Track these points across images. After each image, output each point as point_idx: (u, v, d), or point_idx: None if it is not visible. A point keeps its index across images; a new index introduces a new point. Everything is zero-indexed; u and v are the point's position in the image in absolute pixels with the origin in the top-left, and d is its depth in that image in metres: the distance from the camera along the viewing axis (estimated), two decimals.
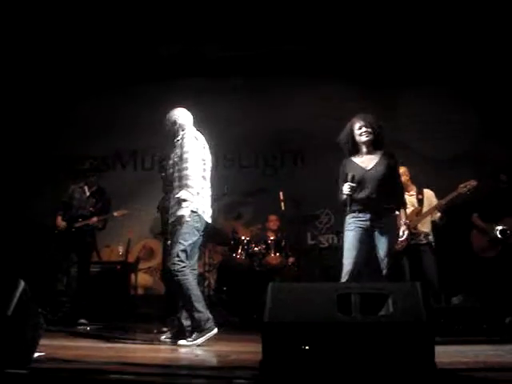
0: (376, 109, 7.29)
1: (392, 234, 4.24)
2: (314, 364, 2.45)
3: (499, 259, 5.71)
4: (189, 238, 4.34)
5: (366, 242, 4.23)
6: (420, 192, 5.79)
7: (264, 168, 8.42)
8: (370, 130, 4.30)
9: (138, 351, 4.07)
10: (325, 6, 6.74)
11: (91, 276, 6.36)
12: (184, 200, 4.31)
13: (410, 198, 5.75)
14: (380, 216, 4.21)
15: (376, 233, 4.22)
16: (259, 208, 7.66)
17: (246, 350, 4.01)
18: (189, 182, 4.35)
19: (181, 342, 4.22)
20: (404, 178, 5.85)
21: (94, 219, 6.20)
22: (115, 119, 8.19)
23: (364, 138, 4.31)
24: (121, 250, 7.75)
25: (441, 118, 7.68)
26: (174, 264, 4.28)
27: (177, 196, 4.37)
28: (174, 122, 4.69)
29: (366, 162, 4.33)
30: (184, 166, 4.39)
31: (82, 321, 5.81)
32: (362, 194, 4.24)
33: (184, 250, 4.31)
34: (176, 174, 4.46)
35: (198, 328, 4.23)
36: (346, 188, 4.19)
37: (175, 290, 4.39)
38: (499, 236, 5.73)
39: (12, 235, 7.37)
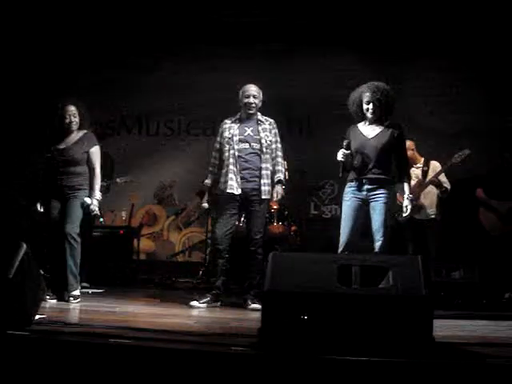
0: (382, 81, 7.25)
1: (387, 207, 4.16)
2: (312, 334, 2.46)
3: (506, 236, 5.69)
4: None
5: (363, 212, 4.21)
6: (426, 164, 5.70)
7: None
8: (377, 105, 4.22)
9: (138, 316, 4.11)
10: None
11: (94, 240, 6.39)
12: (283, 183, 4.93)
13: (416, 171, 5.71)
14: (377, 187, 4.17)
15: (372, 204, 4.18)
16: None
17: (246, 317, 4.05)
18: (283, 169, 4.96)
19: (254, 306, 4.43)
20: (410, 152, 5.82)
21: None
22: (121, 84, 8.11)
23: (369, 115, 4.27)
24: (124, 214, 7.76)
25: (447, 92, 7.59)
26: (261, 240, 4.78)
27: (279, 178, 4.88)
28: (261, 101, 5.00)
29: (369, 130, 4.30)
30: (279, 154, 4.95)
31: (84, 284, 5.84)
32: (359, 163, 4.23)
33: None
34: (268, 156, 4.85)
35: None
36: (339, 154, 4.22)
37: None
38: None
39: (15, 198, 7.37)
